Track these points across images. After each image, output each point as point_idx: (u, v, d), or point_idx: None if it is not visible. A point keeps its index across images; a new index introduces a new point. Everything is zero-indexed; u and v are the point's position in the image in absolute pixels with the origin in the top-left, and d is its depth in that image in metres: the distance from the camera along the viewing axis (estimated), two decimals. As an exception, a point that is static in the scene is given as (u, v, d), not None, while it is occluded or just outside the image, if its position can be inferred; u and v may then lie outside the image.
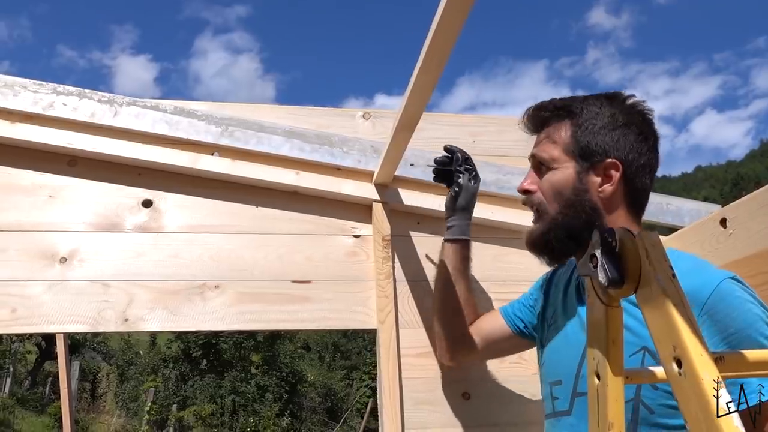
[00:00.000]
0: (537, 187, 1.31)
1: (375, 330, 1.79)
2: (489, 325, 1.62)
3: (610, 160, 1.23)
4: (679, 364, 0.66)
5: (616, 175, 1.23)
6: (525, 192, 1.34)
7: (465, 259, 1.66)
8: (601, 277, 0.75)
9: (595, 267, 0.76)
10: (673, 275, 0.70)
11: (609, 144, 1.24)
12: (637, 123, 1.27)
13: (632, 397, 1.14)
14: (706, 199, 2.07)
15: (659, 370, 0.81)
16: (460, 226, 1.65)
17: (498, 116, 2.13)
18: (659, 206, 2.05)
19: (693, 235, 1.73)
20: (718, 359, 0.66)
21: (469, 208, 1.66)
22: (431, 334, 1.78)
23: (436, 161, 1.68)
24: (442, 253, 1.68)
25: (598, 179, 1.24)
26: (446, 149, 1.68)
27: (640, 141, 1.26)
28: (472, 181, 1.65)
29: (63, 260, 1.75)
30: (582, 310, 1.31)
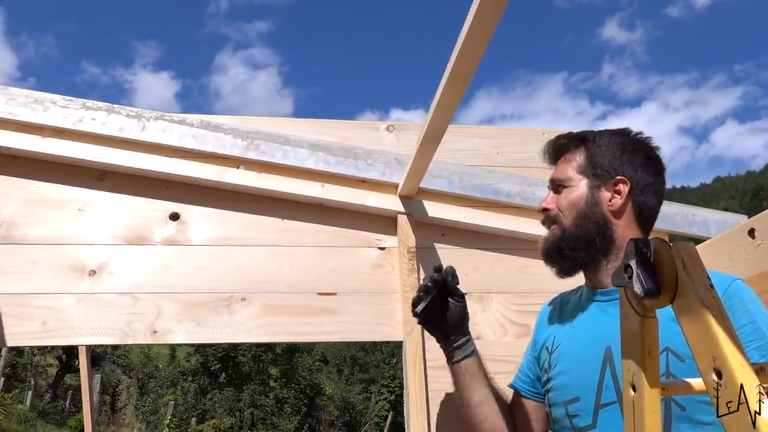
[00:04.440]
0: (555, 205, 1.43)
1: (401, 342, 1.79)
2: (531, 413, 1.50)
3: (619, 177, 1.36)
4: (719, 374, 0.65)
5: (624, 189, 1.35)
6: (544, 210, 1.46)
7: (481, 362, 1.53)
8: (637, 288, 0.75)
9: (630, 277, 0.76)
10: (711, 285, 0.70)
11: (618, 164, 1.37)
12: (644, 150, 1.40)
13: (664, 396, 1.16)
14: (725, 210, 2.06)
15: (695, 382, 0.80)
16: (470, 338, 1.53)
17: (521, 128, 2.13)
18: (685, 217, 2.04)
19: (721, 246, 1.72)
20: (759, 370, 0.65)
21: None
22: None
23: (430, 285, 1.46)
24: (461, 375, 1.49)
25: (609, 194, 1.36)
26: (437, 269, 1.48)
27: (647, 165, 1.38)
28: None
29: (92, 273, 1.77)
30: (590, 324, 1.37)
